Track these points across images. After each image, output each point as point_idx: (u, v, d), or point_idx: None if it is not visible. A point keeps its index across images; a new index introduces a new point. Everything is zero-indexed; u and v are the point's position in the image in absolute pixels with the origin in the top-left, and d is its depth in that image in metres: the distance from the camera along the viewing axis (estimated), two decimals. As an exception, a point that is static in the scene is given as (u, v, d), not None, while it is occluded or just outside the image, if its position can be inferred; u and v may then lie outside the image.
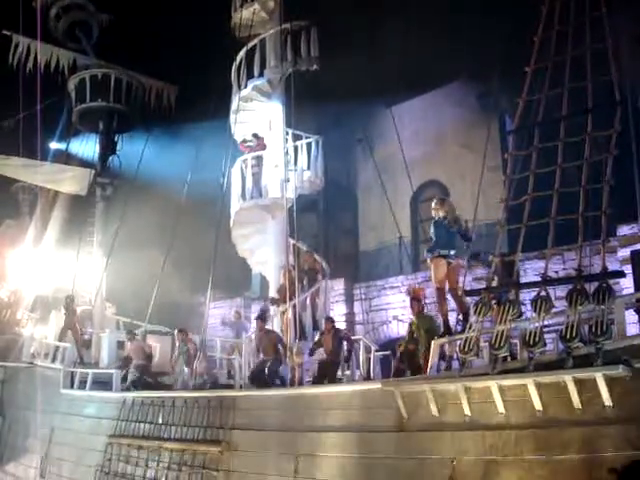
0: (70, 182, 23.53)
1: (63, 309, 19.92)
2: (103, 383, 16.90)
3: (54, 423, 17.61)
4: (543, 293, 8.32)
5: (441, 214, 11.17)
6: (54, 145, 27.58)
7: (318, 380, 12.88)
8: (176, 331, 16.46)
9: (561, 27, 9.38)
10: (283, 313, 14.82)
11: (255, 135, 17.81)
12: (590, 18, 9.08)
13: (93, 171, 24.05)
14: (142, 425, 14.09)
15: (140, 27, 24.61)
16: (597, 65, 8.92)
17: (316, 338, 14.11)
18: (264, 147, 17.54)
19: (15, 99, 24.54)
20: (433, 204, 11.40)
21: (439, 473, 8.36)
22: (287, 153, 16.88)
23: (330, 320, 13.65)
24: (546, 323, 8.08)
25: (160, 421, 13.66)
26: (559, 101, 9.07)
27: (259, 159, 17.28)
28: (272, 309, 15.68)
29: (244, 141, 17.89)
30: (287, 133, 17.32)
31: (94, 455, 15.08)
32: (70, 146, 26.51)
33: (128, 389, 15.85)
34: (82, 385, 17.01)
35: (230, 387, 15.21)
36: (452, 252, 11.03)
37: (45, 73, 25.25)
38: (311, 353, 13.56)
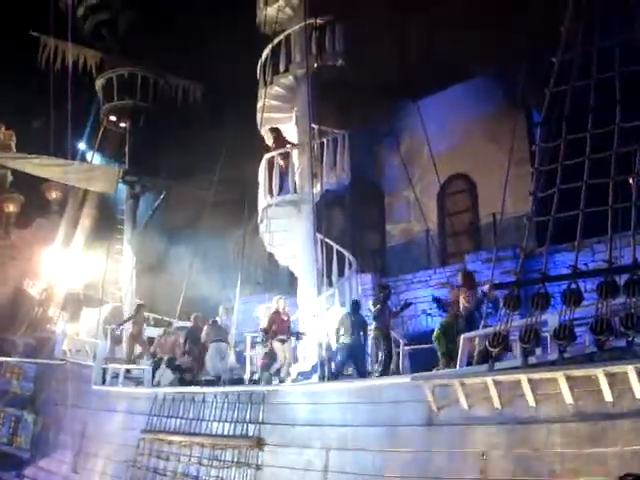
0: (99, 180, 23.73)
1: (132, 318, 19.34)
2: (135, 379, 17.13)
3: (86, 419, 17.83)
4: (573, 286, 8.28)
5: None
6: (82, 145, 27.82)
7: None
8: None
9: (588, 17, 9.30)
10: None
11: (275, 129, 17.83)
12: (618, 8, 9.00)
13: (121, 169, 24.31)
14: (174, 420, 14.23)
15: (166, 25, 24.72)
16: (625, 55, 8.83)
17: None
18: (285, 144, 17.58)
19: (44, 100, 24.83)
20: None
21: (470, 467, 8.36)
22: (313, 149, 16.87)
23: None
24: (577, 316, 8.03)
25: (191, 416, 13.78)
26: (587, 92, 8.99)
27: (286, 155, 17.32)
28: None
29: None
30: (313, 129, 17.30)
31: (126, 450, 15.25)
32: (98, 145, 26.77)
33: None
34: (114, 381, 17.21)
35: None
36: None
37: (73, 73, 25.52)
38: None
